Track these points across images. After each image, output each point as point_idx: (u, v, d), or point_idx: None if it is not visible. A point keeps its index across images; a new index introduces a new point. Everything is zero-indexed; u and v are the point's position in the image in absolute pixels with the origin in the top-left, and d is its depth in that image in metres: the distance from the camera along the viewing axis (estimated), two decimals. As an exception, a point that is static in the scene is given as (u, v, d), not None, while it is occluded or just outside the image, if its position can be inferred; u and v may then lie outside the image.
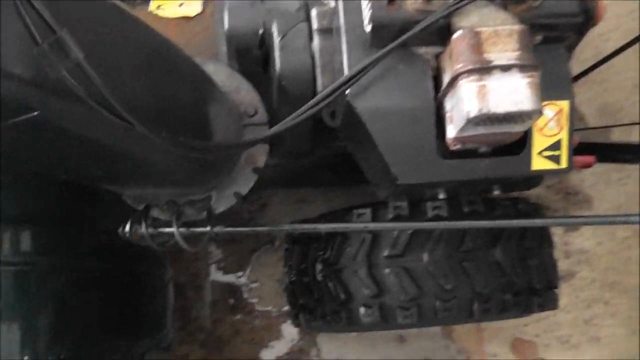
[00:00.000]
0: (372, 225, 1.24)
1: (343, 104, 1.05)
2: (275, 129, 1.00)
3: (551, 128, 1.03)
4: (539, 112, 0.91)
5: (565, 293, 1.83)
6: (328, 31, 1.08)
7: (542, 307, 1.33)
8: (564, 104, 1.03)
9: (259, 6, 1.21)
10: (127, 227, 1.20)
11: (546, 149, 1.04)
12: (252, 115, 1.26)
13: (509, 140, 1.02)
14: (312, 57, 1.12)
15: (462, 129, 0.95)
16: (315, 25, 1.10)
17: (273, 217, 1.94)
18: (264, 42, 1.21)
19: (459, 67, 0.92)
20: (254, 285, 1.93)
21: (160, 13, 1.56)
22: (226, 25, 1.21)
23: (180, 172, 1.07)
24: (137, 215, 1.21)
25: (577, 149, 1.10)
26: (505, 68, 0.89)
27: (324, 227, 1.29)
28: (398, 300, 1.25)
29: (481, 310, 1.24)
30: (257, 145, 1.25)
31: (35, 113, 0.62)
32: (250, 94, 1.27)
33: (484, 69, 0.89)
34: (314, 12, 1.11)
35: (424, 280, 1.25)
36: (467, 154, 1.04)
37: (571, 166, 1.04)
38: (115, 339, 1.48)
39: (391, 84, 1.02)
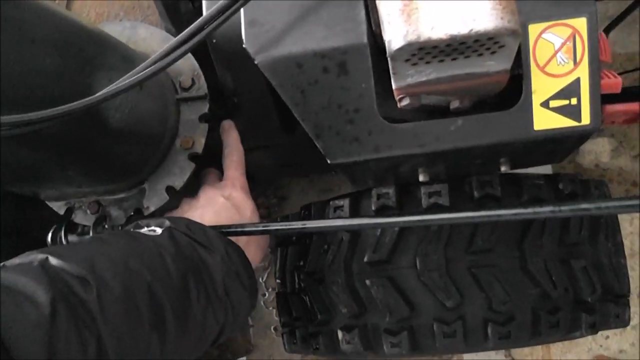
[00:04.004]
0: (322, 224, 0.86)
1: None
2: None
3: (562, 63, 0.65)
4: (511, 33, 0.55)
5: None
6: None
7: (596, 328, 0.92)
8: (580, 23, 0.64)
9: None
10: (50, 237, 0.98)
11: (555, 96, 0.66)
12: (189, 88, 0.99)
13: (488, 87, 0.66)
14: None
15: (397, 74, 0.61)
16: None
17: (294, 210, 1.64)
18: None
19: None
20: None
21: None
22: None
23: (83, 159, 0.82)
24: (59, 222, 0.98)
25: (621, 96, 0.71)
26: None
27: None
28: (383, 322, 0.92)
29: (499, 335, 0.88)
30: (194, 124, 0.98)
31: None
32: (187, 61, 0.99)
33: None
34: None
35: (417, 295, 0.90)
36: (431, 112, 0.69)
37: (598, 121, 0.66)
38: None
39: (306, 18, 0.69)
